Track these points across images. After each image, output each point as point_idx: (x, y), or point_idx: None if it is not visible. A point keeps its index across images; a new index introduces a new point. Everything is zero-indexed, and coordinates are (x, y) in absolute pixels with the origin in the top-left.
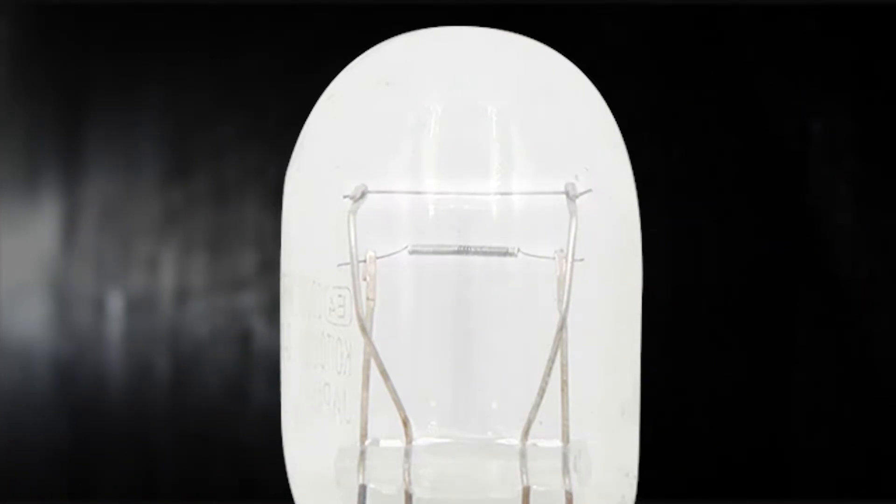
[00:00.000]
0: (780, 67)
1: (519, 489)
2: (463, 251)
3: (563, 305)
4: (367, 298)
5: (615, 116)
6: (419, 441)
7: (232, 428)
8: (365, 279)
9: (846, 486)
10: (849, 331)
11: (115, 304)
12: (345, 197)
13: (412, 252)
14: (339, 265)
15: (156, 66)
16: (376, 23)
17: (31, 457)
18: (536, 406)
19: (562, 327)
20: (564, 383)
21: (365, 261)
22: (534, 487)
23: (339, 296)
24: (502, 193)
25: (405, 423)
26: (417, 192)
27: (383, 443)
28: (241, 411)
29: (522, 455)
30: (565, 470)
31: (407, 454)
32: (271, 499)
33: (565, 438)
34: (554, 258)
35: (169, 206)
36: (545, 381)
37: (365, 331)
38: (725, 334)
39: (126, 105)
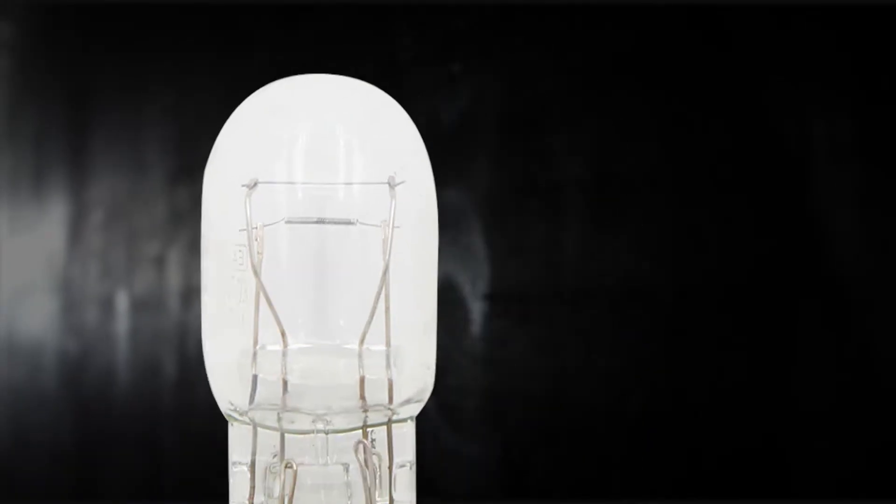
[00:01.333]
0: (781, 69)
1: (357, 377)
2: (320, 221)
3: (387, 256)
4: (258, 253)
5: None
6: (292, 346)
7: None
8: (256, 240)
9: (846, 486)
10: (850, 331)
11: (122, 304)
12: (243, 186)
13: (287, 222)
14: (240, 230)
15: (161, 68)
16: (379, 22)
17: (38, 453)
18: (368, 322)
19: (385, 271)
20: (388, 308)
21: (256, 228)
22: (368, 377)
23: (239, 251)
24: (347, 183)
25: (283, 334)
26: (291, 183)
27: (269, 347)
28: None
29: (360, 356)
30: (388, 365)
31: (284, 355)
32: None
33: (388, 344)
34: (380, 226)
35: (174, 207)
36: (374, 306)
37: (256, 274)
38: (727, 334)
39: (131, 107)
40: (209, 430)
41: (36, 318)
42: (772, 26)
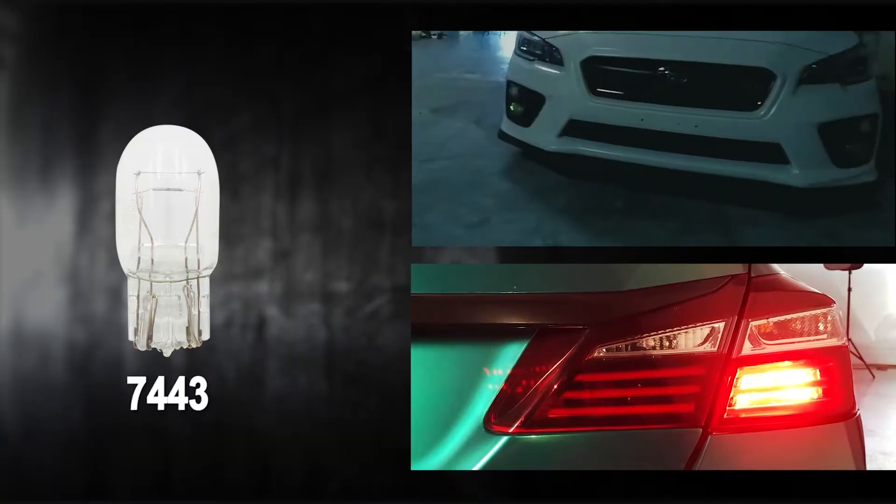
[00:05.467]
0: None
1: (184, 257)
2: (168, 188)
3: (197, 204)
4: (139, 203)
5: None
6: (154, 244)
7: (246, 414)
8: (138, 197)
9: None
10: None
11: None
12: (134, 173)
13: (155, 189)
14: (134, 194)
15: (170, 59)
16: (384, 19)
17: (48, 441)
18: (188, 233)
19: (196, 210)
20: (197, 227)
21: (136, 193)
22: (188, 257)
23: (133, 203)
24: (178, 173)
25: (150, 239)
26: (155, 172)
27: (144, 245)
28: (256, 398)
29: (185, 249)
30: (197, 252)
31: (152, 249)
32: (285, 484)
33: (197, 242)
34: (194, 192)
35: None
36: (191, 226)
37: (139, 211)
38: None
39: (140, 98)
40: (218, 417)
41: (44, 309)
42: None
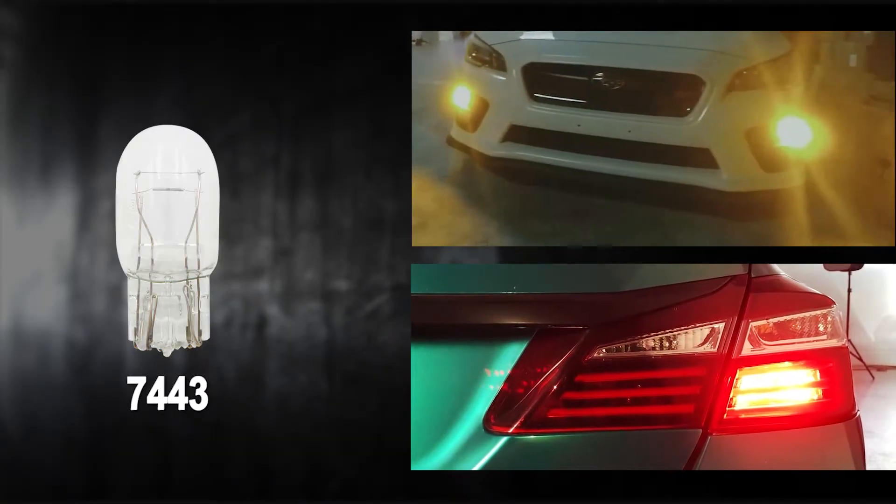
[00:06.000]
0: None
1: (184, 258)
2: (168, 188)
3: (195, 207)
4: (139, 203)
5: None
6: (154, 244)
7: (246, 414)
8: (138, 197)
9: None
10: None
11: None
12: (134, 173)
13: (155, 189)
14: (134, 194)
15: (170, 59)
16: (384, 19)
17: (49, 440)
18: (188, 233)
19: (196, 210)
20: (197, 227)
21: (136, 193)
22: (188, 257)
23: (133, 203)
24: (178, 173)
25: (150, 239)
26: (155, 172)
27: (144, 245)
28: (256, 398)
29: (185, 249)
30: (197, 252)
31: (152, 249)
32: (285, 484)
33: (197, 243)
34: (194, 192)
35: None
36: (191, 226)
37: (139, 211)
38: None
39: (140, 97)
40: (218, 416)
41: (44, 308)
42: None
